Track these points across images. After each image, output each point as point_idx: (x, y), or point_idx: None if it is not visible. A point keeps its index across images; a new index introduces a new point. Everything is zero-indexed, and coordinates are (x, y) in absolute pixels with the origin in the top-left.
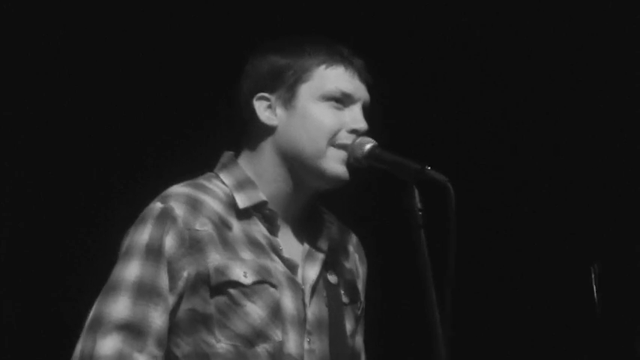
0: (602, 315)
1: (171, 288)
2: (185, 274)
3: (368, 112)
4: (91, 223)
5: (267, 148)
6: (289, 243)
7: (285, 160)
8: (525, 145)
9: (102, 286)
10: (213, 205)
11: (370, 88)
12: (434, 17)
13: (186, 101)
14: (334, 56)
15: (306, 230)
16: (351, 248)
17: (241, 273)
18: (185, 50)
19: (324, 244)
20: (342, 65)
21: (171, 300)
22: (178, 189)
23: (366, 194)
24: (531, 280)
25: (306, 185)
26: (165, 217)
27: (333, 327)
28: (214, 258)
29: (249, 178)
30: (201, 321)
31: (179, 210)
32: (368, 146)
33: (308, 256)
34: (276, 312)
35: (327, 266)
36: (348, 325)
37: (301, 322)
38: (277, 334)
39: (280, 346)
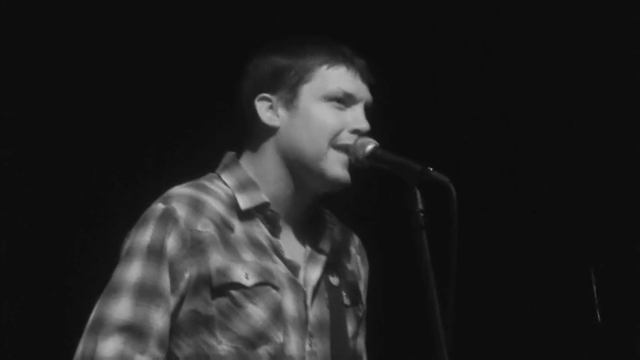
0: (603, 315)
1: (173, 289)
2: (187, 275)
3: (370, 112)
4: (91, 223)
5: (268, 148)
6: (291, 244)
7: (286, 161)
8: (526, 146)
9: (102, 286)
10: (215, 206)
11: (372, 89)
12: (434, 17)
13: (187, 101)
14: (336, 56)
15: (308, 232)
16: (353, 250)
17: (243, 274)
18: (186, 50)
19: (326, 246)
20: (344, 65)
21: (173, 301)
22: (180, 190)
23: (367, 194)
24: (532, 281)
25: (307, 187)
26: (167, 218)
27: (334, 329)
28: (216, 259)
29: (251, 178)
30: (203, 322)
31: (181, 211)
32: (370, 147)
33: (310, 258)
34: (277, 314)
35: (328, 268)
36: (350, 327)
37: (303, 323)
38: (278, 336)
39: (281, 347)
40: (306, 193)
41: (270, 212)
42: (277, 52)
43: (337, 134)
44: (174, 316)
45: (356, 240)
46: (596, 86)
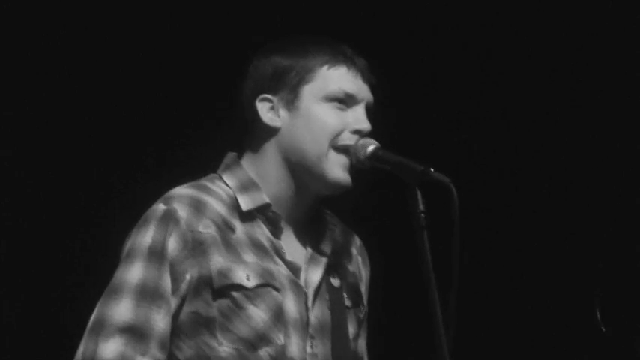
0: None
1: (174, 290)
2: (188, 276)
3: (372, 112)
4: (91, 223)
5: (270, 149)
6: (292, 246)
7: (288, 162)
8: (526, 146)
9: (102, 286)
10: (217, 207)
11: (374, 89)
12: (434, 17)
13: (188, 101)
14: (337, 56)
15: (309, 233)
16: (354, 251)
17: (244, 276)
18: (186, 50)
19: (327, 247)
20: (345, 65)
21: (174, 302)
22: (181, 190)
23: (368, 195)
24: (532, 281)
25: (308, 189)
26: (168, 218)
27: (335, 330)
28: (217, 260)
29: (253, 180)
30: (204, 324)
31: (182, 212)
32: (371, 148)
33: (311, 260)
34: (278, 315)
35: (330, 269)
36: (351, 329)
37: (304, 325)
38: (280, 338)
39: (282, 349)
40: (307, 195)
41: (271, 213)
42: (278, 53)
43: (338, 135)
44: (175, 317)
45: (357, 241)
46: (596, 86)
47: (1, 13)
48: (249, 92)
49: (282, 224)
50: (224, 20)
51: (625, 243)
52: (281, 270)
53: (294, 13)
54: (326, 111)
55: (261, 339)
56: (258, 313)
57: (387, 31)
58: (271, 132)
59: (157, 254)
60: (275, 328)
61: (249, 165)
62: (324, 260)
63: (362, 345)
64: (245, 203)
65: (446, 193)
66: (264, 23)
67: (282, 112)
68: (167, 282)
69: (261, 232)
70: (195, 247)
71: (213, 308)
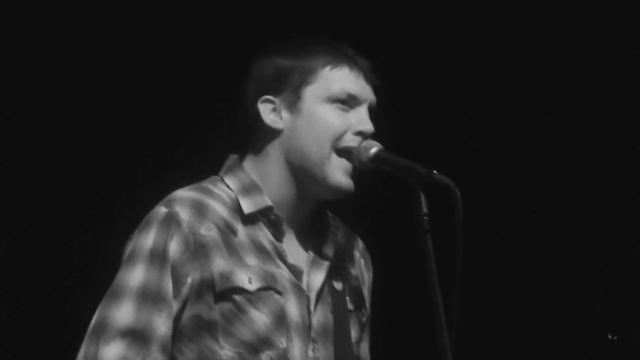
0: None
1: (176, 294)
2: (189, 279)
3: (374, 113)
4: (91, 223)
5: (272, 151)
6: (294, 249)
7: (290, 164)
8: (526, 147)
9: (102, 286)
10: (219, 209)
11: (376, 90)
12: (434, 17)
13: (189, 102)
14: (339, 57)
15: (312, 235)
16: (357, 254)
17: (246, 279)
18: (188, 51)
19: (329, 251)
20: (348, 66)
21: (176, 306)
22: (183, 193)
23: (370, 197)
24: (534, 282)
25: (310, 192)
26: (170, 221)
27: (338, 334)
28: (219, 263)
29: (255, 182)
30: (206, 327)
31: (184, 214)
32: (374, 150)
33: (313, 263)
34: (280, 319)
35: (332, 272)
36: (354, 333)
37: (306, 329)
38: (281, 342)
39: (284, 353)
40: (309, 198)
41: (273, 216)
42: (280, 54)
43: (341, 136)
44: (176, 320)
45: (360, 244)
46: (596, 86)
47: (1, 13)
48: (251, 93)
49: (285, 227)
50: (225, 20)
51: (625, 243)
52: (283, 273)
53: (296, 13)
54: (328, 112)
55: (263, 343)
56: (260, 317)
57: (387, 31)
58: (273, 134)
59: (158, 257)
60: (277, 332)
61: (251, 167)
62: (326, 263)
63: (364, 349)
64: (247, 206)
65: (449, 196)
66: (266, 24)
67: (285, 114)
68: (169, 285)
69: (264, 234)
70: (197, 250)
71: (215, 312)
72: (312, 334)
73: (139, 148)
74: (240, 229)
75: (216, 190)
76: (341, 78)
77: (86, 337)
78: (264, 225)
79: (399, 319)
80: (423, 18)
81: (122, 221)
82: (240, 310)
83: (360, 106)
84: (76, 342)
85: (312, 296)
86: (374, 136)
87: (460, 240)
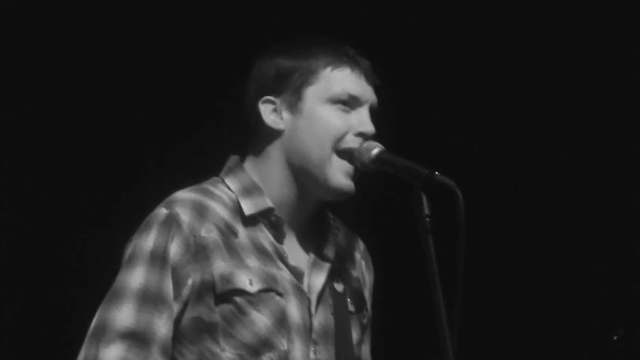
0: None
1: (176, 296)
2: (190, 281)
3: (375, 114)
4: (91, 223)
5: (273, 152)
6: (295, 250)
7: (291, 165)
8: (526, 147)
9: (102, 286)
10: (219, 211)
11: (377, 90)
12: (436, 17)
13: (189, 102)
14: (340, 57)
15: (312, 237)
16: (357, 255)
17: (247, 281)
18: (188, 51)
19: (330, 252)
20: (349, 66)
21: (176, 308)
22: (184, 194)
23: (371, 197)
24: (534, 282)
25: (311, 193)
26: (171, 223)
27: (339, 336)
28: (220, 265)
29: (255, 183)
30: (206, 329)
31: (185, 216)
32: (375, 151)
33: (314, 264)
34: (281, 321)
35: (333, 274)
36: (355, 334)
37: (307, 331)
38: (283, 343)
39: (286, 355)
40: (310, 199)
41: (274, 217)
42: (281, 54)
43: (342, 137)
44: (177, 322)
45: (361, 245)
46: (596, 86)
47: (1, 13)
48: (252, 94)
49: (285, 228)
50: (225, 21)
51: (625, 243)
52: (284, 275)
53: (296, 13)
54: (329, 113)
55: (264, 345)
56: (261, 319)
57: (388, 31)
58: (274, 134)
59: (158, 259)
60: (278, 334)
61: (252, 168)
62: (327, 265)
63: (365, 350)
64: (248, 207)
65: (451, 197)
66: (266, 24)
67: (286, 115)
68: (169, 287)
69: (264, 236)
70: (198, 251)
71: (216, 314)
72: (314, 335)
73: (139, 148)
74: (240, 230)
75: (216, 192)
76: (342, 79)
77: (86, 339)
78: (265, 226)
79: (400, 320)
80: (423, 18)
81: (122, 221)
82: (241, 311)
83: (361, 107)
84: (76, 342)
85: (313, 298)
86: (375, 137)
87: (462, 241)
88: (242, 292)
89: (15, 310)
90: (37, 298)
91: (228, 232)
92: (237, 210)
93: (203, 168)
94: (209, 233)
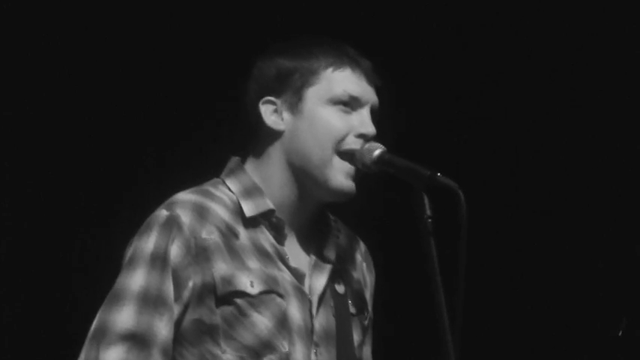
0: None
1: (177, 297)
2: (191, 283)
3: (377, 115)
4: (92, 223)
5: (274, 153)
6: (296, 252)
7: (291, 166)
8: (528, 148)
9: (102, 286)
10: (220, 212)
11: (379, 91)
12: (437, 17)
13: (190, 103)
14: (341, 58)
15: (313, 238)
16: (359, 257)
17: (248, 282)
18: (188, 51)
19: (331, 253)
20: (350, 67)
21: (177, 310)
22: (184, 196)
23: (373, 198)
24: (534, 282)
25: (311, 194)
26: (171, 224)
27: (340, 338)
28: (220, 267)
29: (256, 184)
30: (207, 331)
31: (185, 217)
32: (377, 152)
33: (315, 266)
34: (282, 322)
35: (334, 275)
36: (356, 336)
37: (308, 333)
38: (284, 345)
39: (287, 357)
40: (311, 200)
41: (275, 219)
42: (282, 54)
43: (343, 139)
44: (177, 324)
45: (362, 247)
46: (596, 86)
47: (1, 13)
48: (252, 94)
49: (286, 230)
50: (226, 21)
51: (625, 243)
52: (285, 277)
53: (296, 13)
54: (330, 114)
55: (265, 347)
56: (262, 321)
57: (388, 31)
58: (275, 135)
59: (159, 261)
60: (279, 336)
61: (252, 169)
62: (328, 267)
63: (367, 352)
64: (249, 209)
65: (453, 198)
66: (267, 24)
67: (286, 115)
68: (170, 289)
69: (265, 238)
70: (199, 253)
71: (217, 316)
72: (315, 337)
73: (140, 149)
74: (241, 232)
75: (217, 193)
76: (343, 79)
77: (87, 342)
78: (266, 228)
79: (402, 321)
80: (424, 18)
81: (122, 221)
82: (242, 313)
83: (362, 108)
84: (76, 342)
85: (315, 300)
86: (375, 138)
87: (464, 242)
88: (243, 294)
89: (15, 310)
90: (37, 298)
91: (229, 234)
92: (238, 211)
93: (203, 169)
94: (210, 235)
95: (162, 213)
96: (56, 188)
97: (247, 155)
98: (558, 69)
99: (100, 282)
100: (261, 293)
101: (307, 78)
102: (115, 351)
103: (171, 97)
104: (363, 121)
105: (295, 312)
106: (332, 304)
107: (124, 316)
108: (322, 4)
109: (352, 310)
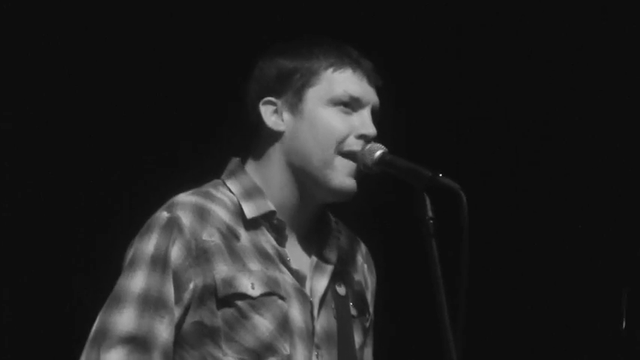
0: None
1: (177, 300)
2: (191, 285)
3: (377, 116)
4: (92, 223)
5: (274, 154)
6: (297, 254)
7: (292, 167)
8: (528, 148)
9: (102, 286)
10: (221, 214)
11: (380, 91)
12: (437, 17)
13: (190, 103)
14: (342, 58)
15: (314, 240)
16: (360, 259)
17: (249, 284)
18: (189, 52)
19: (332, 255)
20: (351, 68)
21: (177, 312)
22: (185, 198)
23: (373, 199)
24: (534, 282)
25: (312, 195)
26: (172, 226)
27: (341, 340)
28: (221, 269)
29: (257, 186)
30: (208, 334)
31: (186, 219)
32: (378, 153)
33: (316, 268)
34: (284, 325)
35: (335, 277)
36: (357, 338)
37: (309, 335)
38: (285, 348)
39: (288, 359)
40: (312, 201)
41: (276, 220)
42: (282, 55)
43: (344, 140)
44: (178, 327)
45: (363, 248)
46: (596, 86)
47: (1, 13)
48: (253, 95)
49: (287, 231)
50: (227, 21)
51: (625, 243)
52: (286, 278)
53: (297, 14)
54: (331, 115)
55: (266, 349)
56: (263, 323)
57: (388, 31)
58: (275, 136)
59: (160, 263)
60: (281, 338)
61: (253, 170)
62: (329, 268)
63: (368, 354)
64: (249, 210)
65: (455, 199)
66: (267, 24)
67: (287, 116)
68: (170, 291)
69: (266, 239)
70: (199, 255)
71: (218, 318)
72: (316, 340)
73: (140, 149)
74: (242, 233)
75: (218, 195)
76: (344, 80)
77: (87, 344)
78: (267, 229)
79: (403, 323)
80: (424, 18)
81: (123, 222)
82: (243, 316)
83: (362, 108)
84: (76, 342)
85: (316, 302)
86: (376, 139)
87: (466, 243)
88: (244, 296)
89: (15, 310)
90: (37, 298)
91: (229, 236)
92: (239, 213)
93: (204, 170)
94: (210, 237)
95: (163, 215)
96: (56, 189)
97: (248, 156)
98: (558, 69)
99: (100, 283)
100: (263, 295)
101: (308, 78)
102: (115, 354)
103: (172, 98)
104: (363, 121)
105: (296, 314)
106: (333, 305)
107: (124, 319)
108: (322, 4)
109: (353, 311)
